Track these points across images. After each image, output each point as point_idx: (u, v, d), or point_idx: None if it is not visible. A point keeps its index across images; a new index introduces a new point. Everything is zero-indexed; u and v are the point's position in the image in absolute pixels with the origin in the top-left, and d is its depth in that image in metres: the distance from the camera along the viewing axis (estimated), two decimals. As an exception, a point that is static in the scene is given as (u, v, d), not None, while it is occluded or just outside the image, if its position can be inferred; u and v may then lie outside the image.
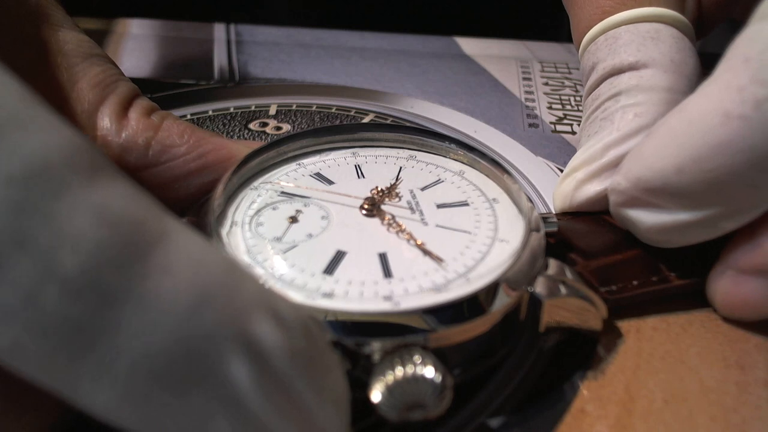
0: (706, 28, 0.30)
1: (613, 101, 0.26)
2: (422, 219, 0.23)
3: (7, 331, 0.11)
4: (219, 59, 0.42)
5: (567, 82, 0.42)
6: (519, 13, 0.52)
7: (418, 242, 0.22)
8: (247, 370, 0.13)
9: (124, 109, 0.23)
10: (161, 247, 0.13)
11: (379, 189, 0.24)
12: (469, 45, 0.46)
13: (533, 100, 0.40)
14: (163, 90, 0.38)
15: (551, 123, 0.37)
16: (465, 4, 0.54)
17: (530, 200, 0.23)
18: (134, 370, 0.12)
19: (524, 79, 0.42)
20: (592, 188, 0.25)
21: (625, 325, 0.23)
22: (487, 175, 0.25)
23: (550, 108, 0.39)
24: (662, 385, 0.21)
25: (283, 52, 0.44)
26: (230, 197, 0.23)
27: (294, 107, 0.38)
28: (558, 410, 0.20)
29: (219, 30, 0.46)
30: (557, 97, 0.40)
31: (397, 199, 0.24)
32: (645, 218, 0.22)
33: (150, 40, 0.44)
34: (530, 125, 0.37)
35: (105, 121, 0.22)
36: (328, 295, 0.19)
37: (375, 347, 0.18)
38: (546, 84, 0.41)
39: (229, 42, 0.44)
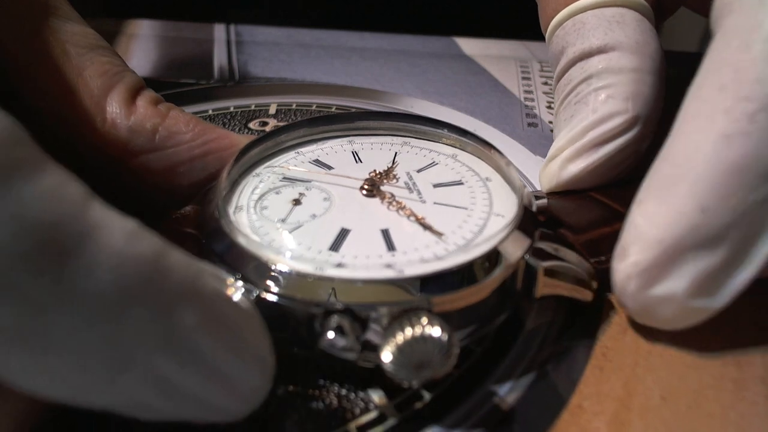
0: (664, 13, 0.31)
1: (585, 84, 0.27)
2: (420, 197, 0.24)
3: None
4: (219, 59, 0.43)
5: (566, 82, 0.42)
6: (518, 14, 0.52)
7: (419, 217, 0.23)
8: (169, 358, 0.14)
9: (132, 97, 0.24)
10: (82, 249, 0.13)
11: (377, 172, 0.25)
12: (468, 45, 0.46)
13: (532, 100, 0.40)
14: (163, 89, 0.38)
15: (550, 122, 0.37)
16: (465, 4, 0.54)
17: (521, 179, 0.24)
18: (67, 364, 0.13)
19: (523, 78, 0.42)
20: (576, 167, 0.27)
21: (622, 322, 0.23)
22: (479, 157, 0.26)
23: (549, 107, 0.39)
24: (660, 382, 0.21)
25: (283, 52, 0.44)
26: (233, 184, 0.24)
27: (294, 106, 0.38)
28: (555, 406, 0.20)
29: (219, 30, 0.46)
30: (556, 96, 0.40)
31: (394, 181, 0.25)
32: (678, 285, 0.20)
33: (150, 40, 0.44)
34: (529, 125, 0.37)
35: (114, 107, 0.23)
36: (337, 266, 0.20)
37: (383, 312, 0.19)
38: (545, 84, 0.42)
39: (229, 42, 0.45)
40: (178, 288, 0.14)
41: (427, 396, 0.21)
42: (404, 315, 0.19)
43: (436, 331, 0.18)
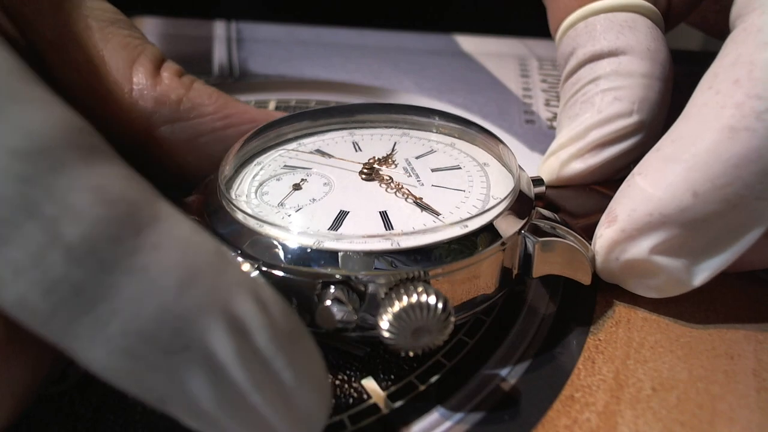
0: (672, 23, 0.32)
1: (593, 85, 0.27)
2: (418, 181, 0.24)
3: (15, 286, 0.12)
4: (219, 55, 0.43)
5: (564, 79, 0.42)
6: (518, 11, 0.53)
7: (417, 197, 0.23)
8: (229, 342, 0.13)
9: (156, 68, 0.25)
10: (153, 228, 0.13)
11: (377, 158, 0.26)
12: (467, 43, 0.46)
13: (530, 97, 0.40)
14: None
15: (548, 119, 0.38)
16: (464, 2, 0.54)
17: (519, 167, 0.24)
18: (126, 332, 0.13)
19: (522, 76, 0.42)
20: (577, 165, 0.27)
21: (615, 316, 0.24)
22: (477, 145, 0.27)
23: (547, 105, 0.39)
24: (651, 373, 0.21)
25: (282, 49, 0.44)
26: (235, 172, 0.25)
27: (293, 103, 0.38)
28: (547, 397, 0.20)
29: (219, 27, 0.46)
30: (554, 93, 0.40)
31: (393, 166, 0.25)
32: (655, 255, 0.22)
33: (151, 38, 0.44)
34: (527, 121, 0.37)
35: (140, 77, 0.24)
36: (335, 240, 0.20)
37: (380, 282, 0.19)
38: (543, 81, 0.42)
39: (229, 39, 0.45)
40: (238, 279, 0.14)
41: (420, 387, 0.21)
42: (401, 285, 0.19)
43: (432, 299, 0.18)
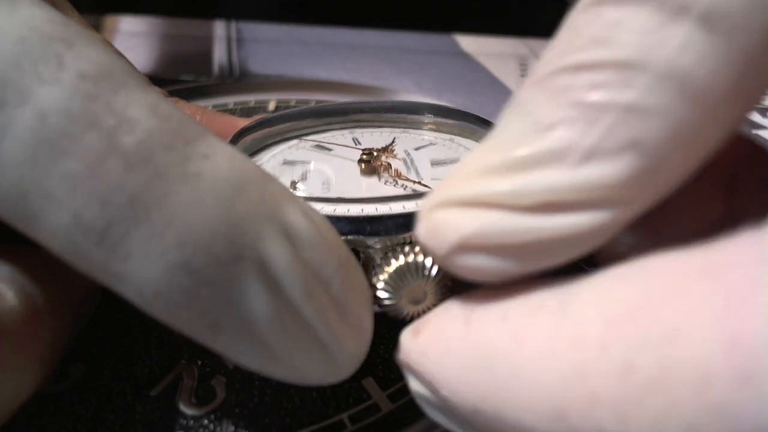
0: None
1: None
2: (417, 173, 0.24)
3: (71, 202, 0.13)
4: (219, 55, 0.43)
5: (564, 79, 0.42)
6: (518, 11, 0.53)
7: (416, 181, 0.23)
8: (282, 249, 0.14)
9: None
10: (202, 140, 0.14)
11: (376, 149, 0.26)
12: (467, 42, 0.46)
13: (530, 97, 0.40)
14: (163, 86, 0.38)
15: (548, 119, 0.38)
16: (464, 2, 0.54)
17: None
18: (181, 242, 0.13)
19: (522, 76, 0.42)
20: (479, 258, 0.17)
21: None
22: (476, 141, 0.27)
23: (547, 104, 0.39)
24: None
25: (282, 49, 0.44)
26: None
27: (293, 103, 0.38)
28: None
29: (219, 27, 0.46)
30: (554, 93, 0.40)
31: (393, 157, 0.25)
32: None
33: (151, 37, 0.45)
34: (527, 121, 0.37)
35: None
36: (334, 210, 0.20)
37: (377, 246, 0.19)
38: (543, 81, 0.42)
39: (229, 39, 0.45)
40: (284, 191, 0.15)
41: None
42: (397, 247, 0.19)
43: (428, 261, 0.18)
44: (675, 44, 0.12)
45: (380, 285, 0.18)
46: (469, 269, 0.14)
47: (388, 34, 0.46)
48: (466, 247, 0.14)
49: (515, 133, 0.13)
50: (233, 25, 0.46)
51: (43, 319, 0.17)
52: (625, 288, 0.12)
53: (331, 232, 0.15)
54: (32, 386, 0.17)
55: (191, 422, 0.19)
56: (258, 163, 0.25)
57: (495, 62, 0.44)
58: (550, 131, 0.13)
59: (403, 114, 0.28)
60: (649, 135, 0.12)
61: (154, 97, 0.14)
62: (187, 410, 0.20)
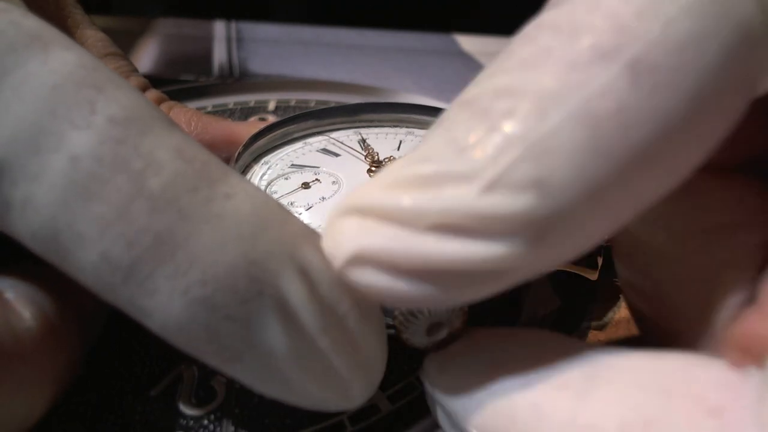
0: None
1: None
2: None
3: (99, 243, 0.13)
4: (219, 55, 0.43)
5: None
6: (518, 11, 0.53)
7: None
8: (300, 287, 0.14)
9: None
10: (224, 181, 0.14)
11: (383, 159, 0.26)
12: (468, 42, 0.46)
13: (530, 97, 0.40)
14: (163, 86, 0.38)
15: (548, 119, 0.38)
16: (464, 1, 0.54)
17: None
18: (204, 280, 0.13)
19: (522, 76, 0.43)
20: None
21: (617, 316, 0.24)
22: None
23: (547, 104, 0.39)
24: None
25: (282, 49, 0.44)
26: (242, 172, 0.25)
27: (293, 103, 0.38)
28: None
29: (219, 27, 0.46)
30: (554, 93, 0.40)
31: None
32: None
33: (151, 37, 0.45)
34: (527, 121, 0.37)
35: None
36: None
37: None
38: (543, 81, 0.42)
39: (229, 39, 0.45)
40: (302, 229, 0.15)
41: (420, 387, 0.21)
42: None
43: None
44: (596, 85, 0.12)
45: (399, 321, 0.18)
46: (364, 285, 0.13)
47: (388, 34, 0.46)
48: (360, 260, 0.13)
49: (432, 149, 0.13)
50: (233, 25, 0.46)
51: (59, 339, 0.17)
52: (644, 397, 0.13)
53: None
54: (47, 405, 0.17)
55: (191, 422, 0.19)
56: (267, 166, 0.25)
57: (495, 62, 0.44)
58: (463, 153, 0.12)
59: (409, 114, 0.28)
60: (553, 177, 0.12)
61: (178, 138, 0.14)
62: (187, 410, 0.20)
